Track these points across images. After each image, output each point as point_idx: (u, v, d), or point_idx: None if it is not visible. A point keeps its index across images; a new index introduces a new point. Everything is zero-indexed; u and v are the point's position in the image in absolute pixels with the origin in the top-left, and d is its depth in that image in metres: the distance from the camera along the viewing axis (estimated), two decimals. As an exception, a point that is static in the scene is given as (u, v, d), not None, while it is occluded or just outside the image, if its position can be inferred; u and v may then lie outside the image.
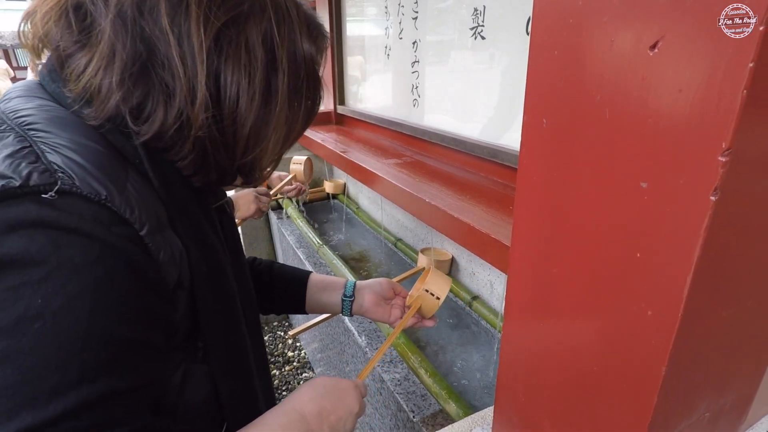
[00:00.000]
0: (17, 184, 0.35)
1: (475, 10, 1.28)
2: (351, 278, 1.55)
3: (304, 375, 2.14)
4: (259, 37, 0.45)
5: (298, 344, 2.34)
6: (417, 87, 1.63)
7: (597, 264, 0.39)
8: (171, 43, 0.42)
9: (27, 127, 0.40)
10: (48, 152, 0.39)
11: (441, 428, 0.76)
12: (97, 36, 0.41)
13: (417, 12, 1.53)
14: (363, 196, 2.19)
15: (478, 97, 1.36)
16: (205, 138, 0.45)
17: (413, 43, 1.59)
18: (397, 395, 1.15)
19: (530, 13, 1.10)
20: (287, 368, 2.19)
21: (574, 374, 0.44)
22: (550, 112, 0.41)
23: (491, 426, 0.64)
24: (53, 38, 0.43)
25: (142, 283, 0.41)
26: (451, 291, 1.51)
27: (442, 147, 1.55)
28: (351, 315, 0.88)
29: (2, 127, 0.40)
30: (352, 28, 2.09)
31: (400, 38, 1.67)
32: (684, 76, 0.30)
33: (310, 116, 0.55)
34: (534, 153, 0.44)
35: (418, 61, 1.60)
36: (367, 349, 1.31)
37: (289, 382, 2.10)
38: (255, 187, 0.61)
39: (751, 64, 0.27)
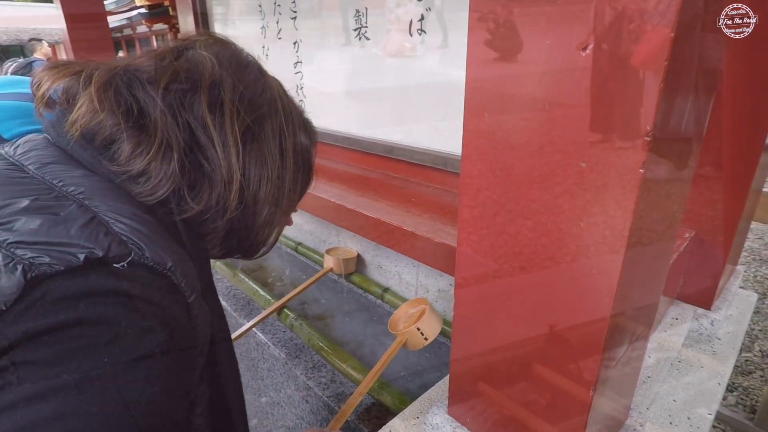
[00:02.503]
0: (100, 254, 0.36)
1: (357, 11, 1.32)
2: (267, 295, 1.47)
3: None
4: (275, 133, 0.52)
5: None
6: (302, 88, 1.62)
7: (545, 237, 0.45)
8: (212, 137, 0.46)
9: (81, 196, 0.41)
10: (112, 223, 0.40)
11: (391, 419, 0.78)
12: (150, 125, 0.44)
13: (296, 12, 1.51)
14: (252, 203, 2.08)
15: (368, 95, 1.40)
16: (234, 219, 0.50)
17: (294, 44, 1.57)
18: (326, 399, 1.14)
19: (413, 16, 1.17)
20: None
21: (530, 334, 0.50)
22: (491, 106, 0.46)
23: (445, 403, 0.69)
24: (106, 120, 0.44)
25: (183, 352, 0.42)
26: (360, 287, 1.54)
27: (336, 147, 1.56)
28: None
29: (52, 194, 0.41)
30: (220, 29, 1.97)
31: (279, 38, 1.63)
32: (612, 72, 0.37)
33: (300, 199, 0.63)
34: (477, 146, 0.49)
35: (301, 62, 1.58)
36: (286, 360, 1.26)
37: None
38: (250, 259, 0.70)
39: (665, 62, 0.34)
